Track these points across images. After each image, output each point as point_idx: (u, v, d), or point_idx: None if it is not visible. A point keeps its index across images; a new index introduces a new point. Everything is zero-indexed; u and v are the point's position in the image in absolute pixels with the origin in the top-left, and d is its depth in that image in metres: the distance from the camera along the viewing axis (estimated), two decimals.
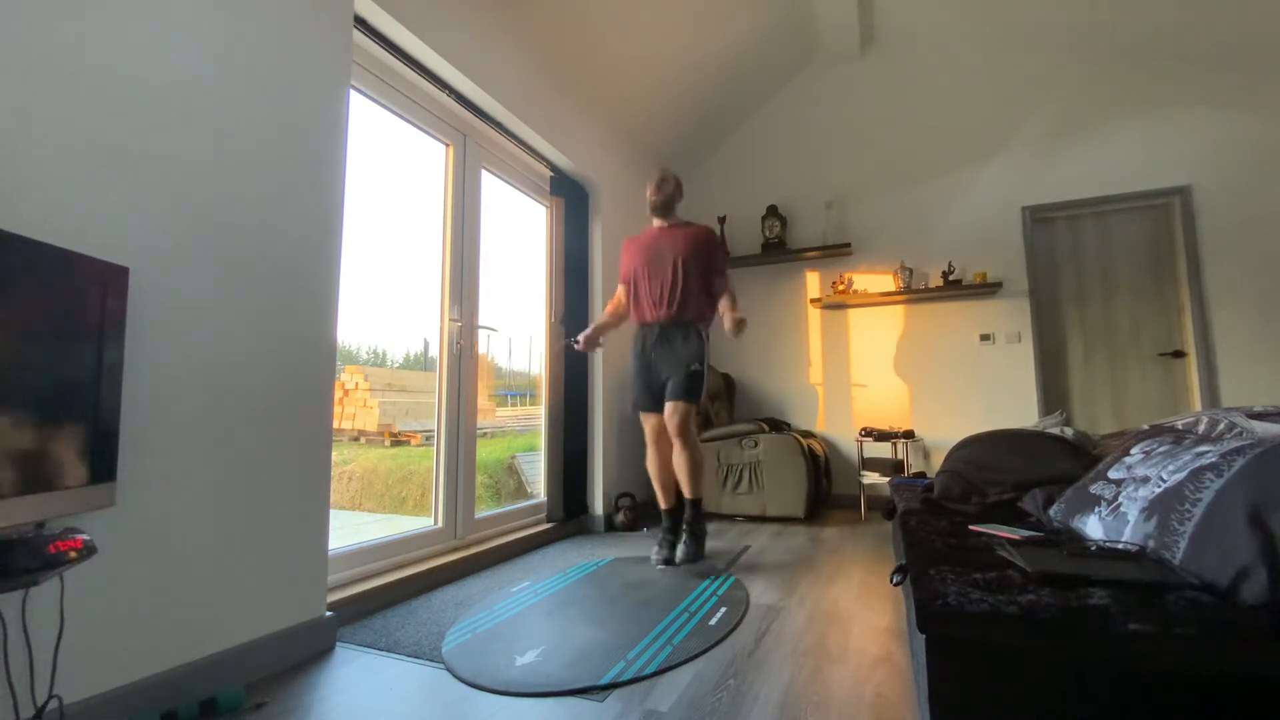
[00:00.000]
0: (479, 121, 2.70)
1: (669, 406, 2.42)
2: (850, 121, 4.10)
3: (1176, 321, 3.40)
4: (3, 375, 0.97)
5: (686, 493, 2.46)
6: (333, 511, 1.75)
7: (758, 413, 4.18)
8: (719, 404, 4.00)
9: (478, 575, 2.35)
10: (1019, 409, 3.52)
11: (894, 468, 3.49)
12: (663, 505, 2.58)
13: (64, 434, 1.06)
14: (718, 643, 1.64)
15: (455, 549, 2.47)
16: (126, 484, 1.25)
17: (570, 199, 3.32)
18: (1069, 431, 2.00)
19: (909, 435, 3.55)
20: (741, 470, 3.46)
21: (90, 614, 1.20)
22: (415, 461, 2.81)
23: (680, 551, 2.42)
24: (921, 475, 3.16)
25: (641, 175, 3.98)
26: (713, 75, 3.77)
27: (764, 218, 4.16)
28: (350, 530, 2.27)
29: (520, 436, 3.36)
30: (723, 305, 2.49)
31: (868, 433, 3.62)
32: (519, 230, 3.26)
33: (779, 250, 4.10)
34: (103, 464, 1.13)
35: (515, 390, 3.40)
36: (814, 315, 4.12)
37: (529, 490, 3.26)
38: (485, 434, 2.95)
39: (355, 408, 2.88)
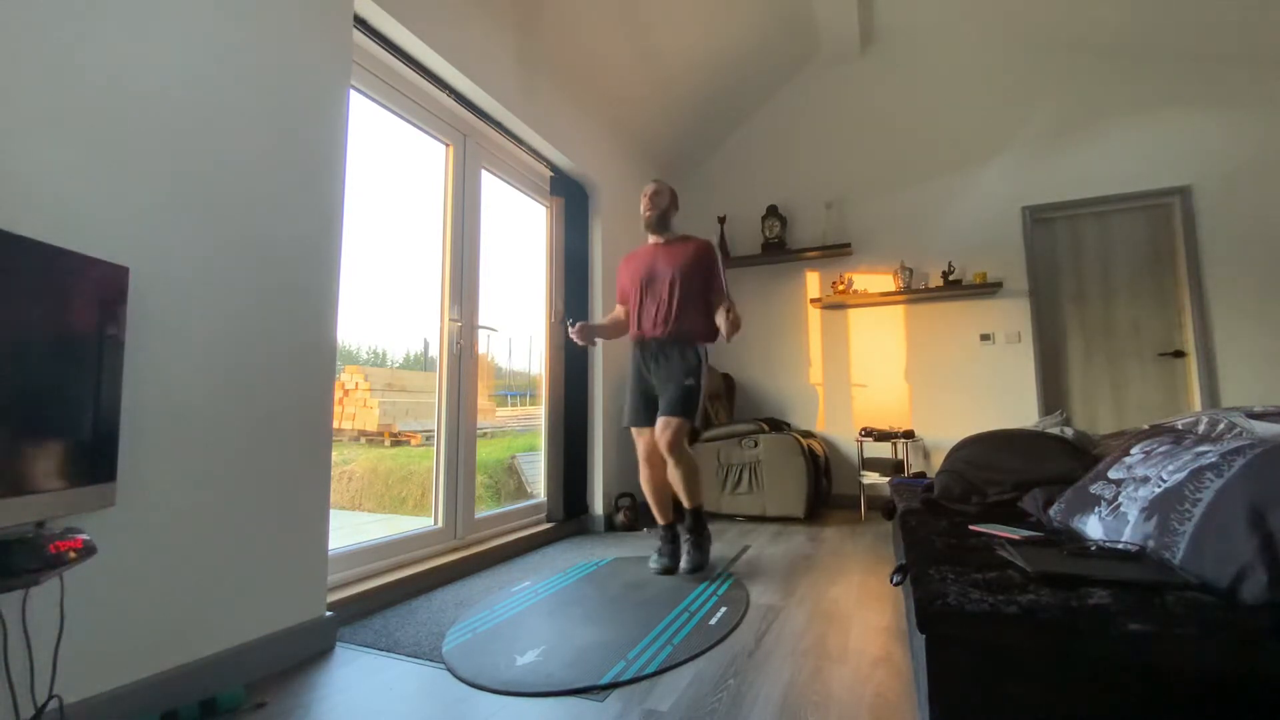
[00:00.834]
0: (479, 121, 2.70)
1: (660, 421, 2.33)
2: (850, 121, 4.10)
3: (1176, 321, 3.40)
4: (2, 375, 0.97)
5: (685, 502, 2.38)
6: (333, 511, 1.75)
7: (758, 413, 4.18)
8: (719, 404, 4.00)
9: (478, 575, 2.35)
10: (1019, 409, 3.52)
11: (894, 468, 3.49)
12: (660, 521, 2.48)
13: (64, 434, 1.06)
14: (718, 642, 1.64)
15: (455, 549, 2.47)
16: (126, 484, 1.25)
17: (570, 199, 3.32)
18: (1069, 431, 2.00)
19: (909, 435, 3.55)
20: (741, 470, 3.46)
21: (90, 614, 1.19)
22: (415, 461, 2.81)
23: (685, 562, 2.33)
24: (921, 475, 3.16)
25: (642, 175, 3.98)
26: (713, 75, 3.77)
27: (764, 218, 4.17)
28: (350, 530, 2.27)
29: (520, 436, 3.36)
30: (718, 316, 2.34)
31: (868, 433, 3.62)
32: (519, 230, 3.26)
33: (779, 250, 4.10)
34: (103, 464, 1.13)
35: (515, 390, 3.40)
36: (814, 315, 4.12)
37: (529, 490, 3.26)
38: (485, 434, 2.95)
39: (355, 408, 2.88)
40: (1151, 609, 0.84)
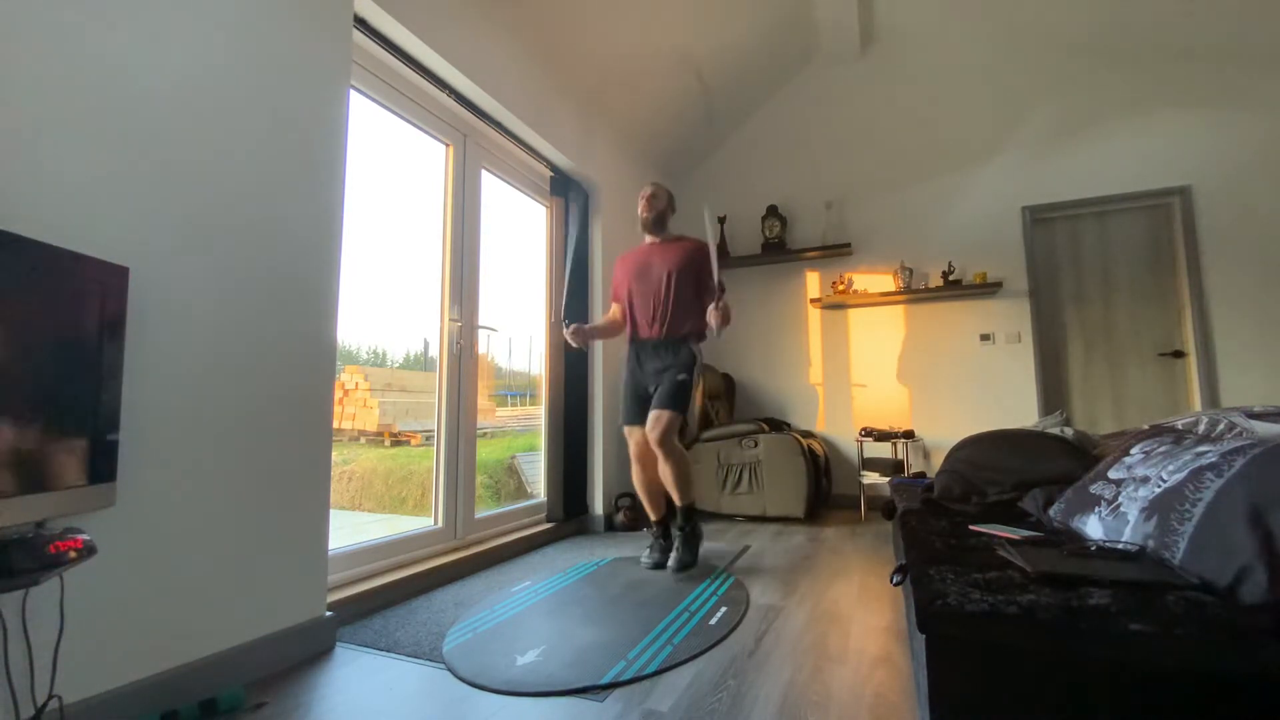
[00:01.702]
0: (479, 121, 2.70)
1: (652, 415, 2.32)
2: (850, 121, 4.10)
3: (1176, 321, 3.40)
4: (2, 375, 0.97)
5: (676, 499, 2.38)
6: (333, 511, 1.75)
7: (758, 413, 4.18)
8: (719, 404, 4.00)
9: (478, 575, 2.35)
10: (1019, 409, 3.52)
11: (894, 468, 3.49)
12: (653, 517, 2.50)
13: (64, 434, 1.06)
14: (718, 643, 1.64)
15: (455, 549, 2.47)
16: (126, 484, 1.25)
17: (570, 199, 3.32)
18: (1069, 431, 2.00)
19: (909, 435, 3.55)
20: (741, 470, 3.46)
21: (90, 614, 1.19)
22: (415, 461, 2.81)
23: (672, 560, 2.34)
24: (921, 475, 3.16)
25: (641, 174, 3.98)
26: (713, 75, 3.77)
27: (764, 218, 4.16)
28: (350, 530, 2.27)
29: (520, 436, 3.36)
30: (710, 311, 2.32)
31: (868, 433, 3.62)
32: (519, 230, 3.26)
33: (779, 250, 4.10)
34: (103, 464, 1.13)
35: (515, 390, 3.40)
36: (814, 315, 4.12)
37: (529, 490, 3.26)
38: (485, 434, 2.95)
39: (355, 408, 2.88)
40: (1151, 609, 0.84)
